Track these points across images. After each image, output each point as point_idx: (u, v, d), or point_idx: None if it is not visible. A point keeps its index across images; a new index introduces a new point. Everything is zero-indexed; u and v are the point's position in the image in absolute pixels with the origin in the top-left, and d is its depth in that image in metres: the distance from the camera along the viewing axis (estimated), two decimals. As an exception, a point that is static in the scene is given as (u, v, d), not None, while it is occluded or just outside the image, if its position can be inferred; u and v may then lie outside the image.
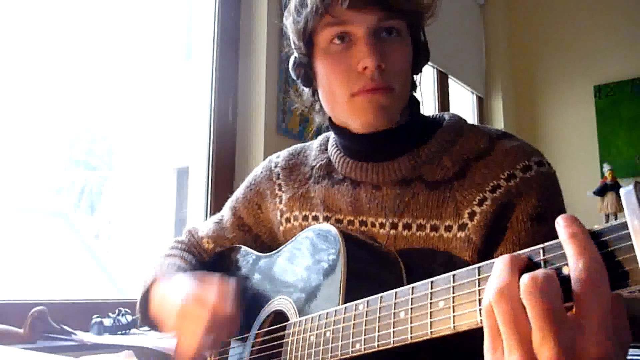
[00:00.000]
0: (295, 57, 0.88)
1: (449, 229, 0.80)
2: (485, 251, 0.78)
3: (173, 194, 5.93)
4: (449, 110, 3.36)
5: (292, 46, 0.87)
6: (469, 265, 0.53)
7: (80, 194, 7.50)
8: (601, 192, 3.11)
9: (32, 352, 1.04)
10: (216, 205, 1.91)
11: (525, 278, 0.43)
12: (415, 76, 0.90)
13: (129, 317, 1.50)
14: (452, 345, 0.75)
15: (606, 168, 3.19)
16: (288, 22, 0.86)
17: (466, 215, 0.79)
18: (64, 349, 1.30)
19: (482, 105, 3.72)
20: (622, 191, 0.42)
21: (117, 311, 1.50)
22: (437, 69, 3.26)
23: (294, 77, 0.90)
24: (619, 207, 2.90)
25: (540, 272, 0.43)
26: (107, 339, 1.40)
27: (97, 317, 1.47)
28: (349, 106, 0.81)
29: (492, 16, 3.84)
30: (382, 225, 0.85)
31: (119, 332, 1.47)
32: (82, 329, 1.45)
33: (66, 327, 1.39)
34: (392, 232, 0.84)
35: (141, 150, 6.53)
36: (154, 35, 6.48)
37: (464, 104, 3.68)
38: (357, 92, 0.80)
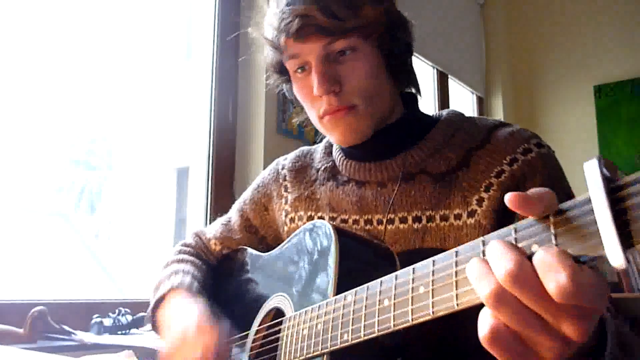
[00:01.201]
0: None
1: (458, 217, 0.81)
2: None
3: (173, 194, 5.94)
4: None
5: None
6: None
7: (80, 194, 7.52)
8: (601, 192, 3.11)
9: (32, 352, 1.04)
10: (216, 205, 1.91)
11: (541, 254, 0.42)
12: (412, 70, 0.92)
13: (129, 317, 1.50)
14: (445, 341, 0.76)
15: (606, 168, 3.19)
16: (263, 53, 0.92)
17: (474, 202, 0.80)
18: (64, 349, 1.30)
19: (482, 105, 3.71)
20: (585, 165, 0.40)
21: (117, 311, 1.50)
22: (437, 69, 3.25)
23: (289, 97, 0.96)
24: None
25: (546, 248, 0.42)
26: (107, 339, 1.40)
27: (97, 317, 1.47)
28: (321, 126, 0.88)
29: (492, 16, 3.84)
30: (390, 221, 0.86)
31: (119, 332, 1.47)
32: (82, 329, 1.45)
33: (66, 327, 1.39)
34: (401, 226, 0.84)
35: (141, 150, 6.54)
36: (154, 35, 6.48)
37: (464, 103, 3.68)
38: (323, 115, 0.85)
